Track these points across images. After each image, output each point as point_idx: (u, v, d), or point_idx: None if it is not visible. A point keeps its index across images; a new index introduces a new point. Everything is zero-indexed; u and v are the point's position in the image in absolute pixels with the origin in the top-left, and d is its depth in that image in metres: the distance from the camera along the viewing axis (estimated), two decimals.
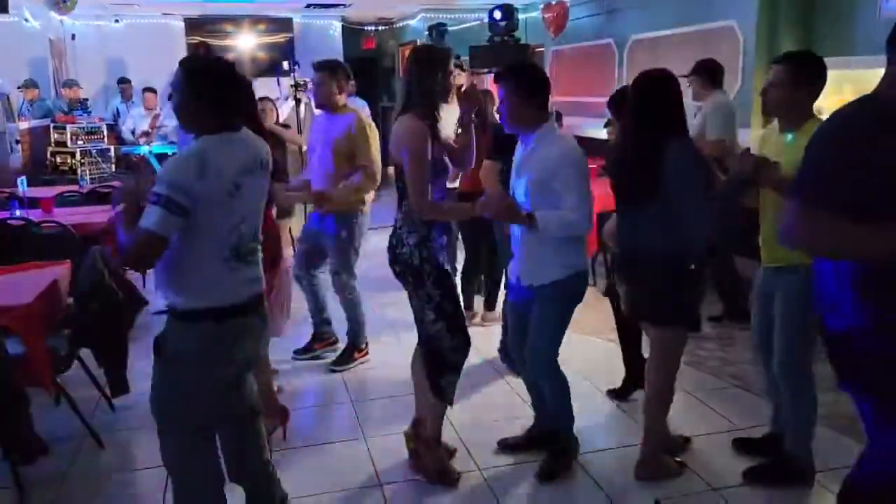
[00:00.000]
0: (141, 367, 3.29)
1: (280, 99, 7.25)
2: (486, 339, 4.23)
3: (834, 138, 1.73)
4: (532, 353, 2.88)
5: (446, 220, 2.84)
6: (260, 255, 2.28)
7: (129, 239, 2.02)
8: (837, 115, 1.76)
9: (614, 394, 3.66)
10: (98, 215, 4.78)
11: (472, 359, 3.11)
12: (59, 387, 3.15)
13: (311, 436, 3.31)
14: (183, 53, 10.92)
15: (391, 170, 2.95)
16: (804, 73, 2.58)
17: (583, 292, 2.82)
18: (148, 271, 3.18)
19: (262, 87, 10.96)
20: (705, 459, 3.02)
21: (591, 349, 4.28)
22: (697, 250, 2.67)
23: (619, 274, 2.98)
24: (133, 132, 8.42)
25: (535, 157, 2.73)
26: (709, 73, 4.81)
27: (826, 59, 2.61)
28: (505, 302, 3.10)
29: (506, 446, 3.16)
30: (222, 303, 2.12)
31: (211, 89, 2.09)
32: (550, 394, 2.96)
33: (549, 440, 3.03)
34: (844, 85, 4.52)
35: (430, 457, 2.92)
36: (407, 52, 11.74)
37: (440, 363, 2.83)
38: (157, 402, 2.20)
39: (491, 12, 8.21)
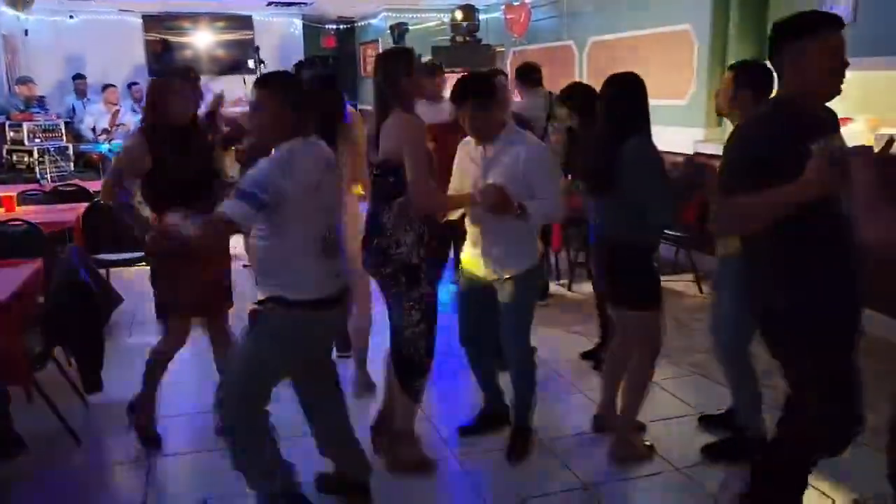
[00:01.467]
0: (113, 365, 3.33)
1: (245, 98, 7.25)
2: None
3: (744, 139, 2.12)
4: (510, 342, 3.02)
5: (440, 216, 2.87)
6: (342, 250, 2.54)
7: (205, 221, 2.32)
8: (750, 119, 2.18)
9: (588, 354, 4.04)
10: (64, 214, 4.75)
11: (442, 347, 3.21)
12: (35, 384, 3.15)
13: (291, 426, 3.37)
14: (140, 50, 10.81)
15: None
16: (744, 79, 2.85)
17: (537, 284, 3.06)
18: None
19: (226, 86, 10.96)
20: (668, 442, 3.18)
21: (556, 340, 4.42)
22: (655, 237, 2.88)
23: (593, 260, 3.13)
24: (94, 129, 8.30)
25: (503, 157, 2.84)
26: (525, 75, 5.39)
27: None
28: (460, 293, 3.19)
29: (465, 431, 3.29)
30: (317, 295, 2.40)
31: (299, 100, 2.39)
32: (520, 380, 3.10)
33: (502, 419, 3.24)
34: None
35: (406, 450, 3.00)
36: (369, 51, 11.83)
37: (413, 367, 2.87)
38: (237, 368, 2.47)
39: (453, 12, 8.34)
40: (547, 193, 2.80)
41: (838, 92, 2.06)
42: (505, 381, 3.25)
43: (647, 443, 3.15)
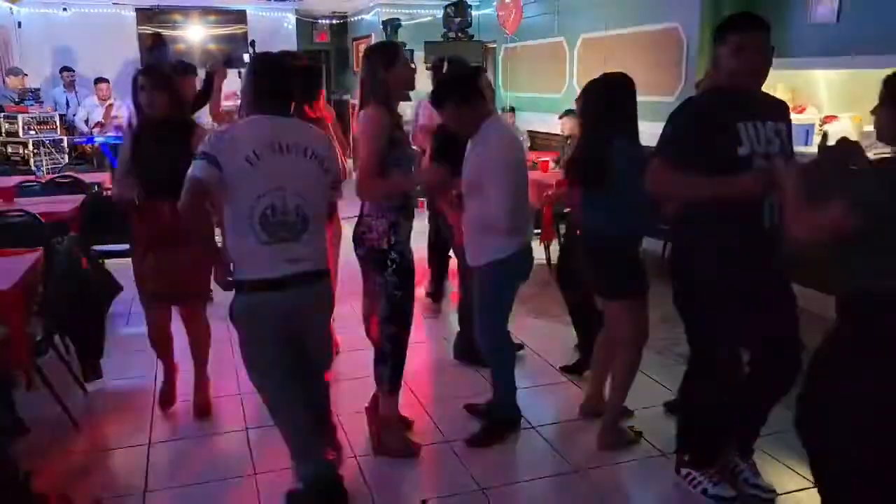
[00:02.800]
0: (110, 353, 3.40)
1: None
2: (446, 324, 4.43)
3: (685, 114, 2.49)
4: (478, 330, 3.20)
5: (400, 201, 2.90)
6: (313, 236, 2.48)
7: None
8: (692, 99, 2.65)
9: (569, 370, 3.94)
10: (62, 204, 4.80)
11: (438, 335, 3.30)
12: (37, 370, 3.22)
13: None
14: (134, 43, 10.80)
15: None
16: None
17: (511, 276, 3.08)
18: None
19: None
20: (656, 429, 3.28)
21: (546, 330, 4.52)
22: (639, 230, 3.01)
23: (582, 254, 3.22)
24: (87, 122, 8.32)
25: (472, 156, 2.97)
26: None
27: None
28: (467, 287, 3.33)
29: (474, 411, 3.40)
30: (257, 276, 2.41)
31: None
32: (492, 368, 3.26)
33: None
34: (777, 83, 4.87)
35: (390, 435, 3.09)
36: (361, 46, 11.86)
37: (382, 350, 2.98)
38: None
39: (446, 8, 8.40)
40: (493, 200, 2.85)
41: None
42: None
43: (635, 429, 3.25)
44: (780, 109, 2.56)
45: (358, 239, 2.92)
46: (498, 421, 3.27)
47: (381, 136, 2.76)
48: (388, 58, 2.84)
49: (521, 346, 4.06)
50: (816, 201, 1.98)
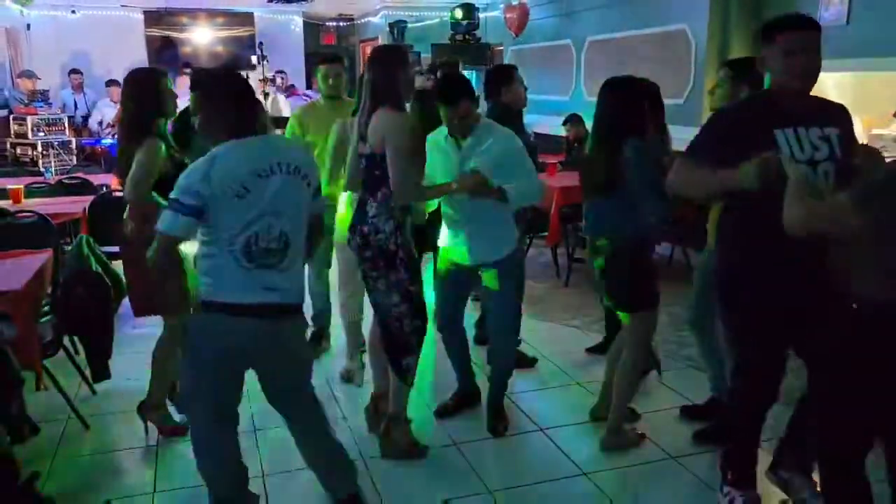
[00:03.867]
0: (118, 354, 3.40)
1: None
2: None
3: (718, 120, 2.47)
4: (496, 325, 3.28)
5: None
6: (292, 264, 2.34)
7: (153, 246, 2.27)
8: (727, 105, 2.64)
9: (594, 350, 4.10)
10: (71, 206, 4.82)
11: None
12: (47, 370, 3.23)
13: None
14: (142, 46, 10.87)
15: None
16: (743, 77, 3.04)
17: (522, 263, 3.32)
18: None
19: None
20: (664, 432, 3.28)
21: (554, 334, 4.51)
22: (651, 237, 2.99)
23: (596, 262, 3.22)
24: (101, 123, 8.37)
25: (477, 147, 3.03)
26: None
27: None
28: (440, 279, 3.35)
29: (444, 412, 3.47)
30: (229, 299, 2.27)
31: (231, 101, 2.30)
32: (503, 361, 3.33)
33: (474, 398, 3.51)
34: None
35: (398, 432, 3.10)
36: (368, 49, 11.89)
37: (401, 345, 3.00)
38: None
39: (453, 10, 8.41)
40: (524, 176, 3.05)
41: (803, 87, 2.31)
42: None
43: (639, 431, 3.25)
44: (832, 114, 2.39)
45: (363, 241, 2.90)
46: (502, 408, 3.39)
47: (412, 140, 2.81)
48: (403, 59, 2.87)
49: (535, 360, 4.09)
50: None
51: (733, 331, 2.58)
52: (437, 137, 3.14)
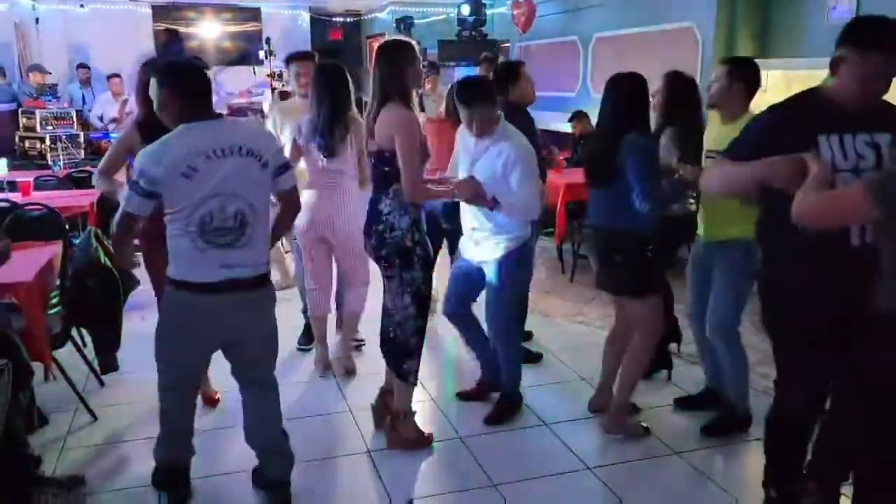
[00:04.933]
0: (126, 346, 3.43)
1: (257, 88, 7.35)
2: None
3: (759, 123, 2.34)
4: (492, 318, 3.32)
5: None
6: (251, 241, 2.44)
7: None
8: (772, 107, 2.33)
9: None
10: (79, 199, 4.85)
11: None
12: (55, 362, 3.26)
13: (301, 408, 3.49)
14: (149, 40, 10.89)
15: None
16: (739, 74, 3.02)
17: (528, 259, 3.35)
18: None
19: (234, 76, 11.06)
20: (667, 427, 3.29)
21: (559, 329, 4.53)
22: (651, 229, 2.98)
23: (589, 251, 3.27)
24: (101, 118, 8.39)
25: (490, 153, 3.05)
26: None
27: (778, 61, 2.95)
28: (454, 269, 3.44)
29: (465, 396, 3.55)
30: (189, 278, 2.42)
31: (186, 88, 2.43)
32: (503, 354, 3.35)
33: (496, 389, 3.50)
34: (793, 84, 4.85)
35: (403, 427, 3.12)
36: (374, 45, 11.88)
37: (402, 350, 3.02)
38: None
39: (459, 7, 8.41)
40: (523, 192, 3.02)
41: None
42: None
43: (643, 425, 3.27)
44: (886, 117, 2.20)
45: (379, 239, 2.90)
46: (510, 400, 3.41)
47: (419, 137, 2.82)
48: (410, 54, 2.87)
49: (540, 356, 4.10)
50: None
51: (776, 340, 2.41)
52: (465, 132, 3.18)
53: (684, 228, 3.28)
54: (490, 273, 3.22)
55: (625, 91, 3.00)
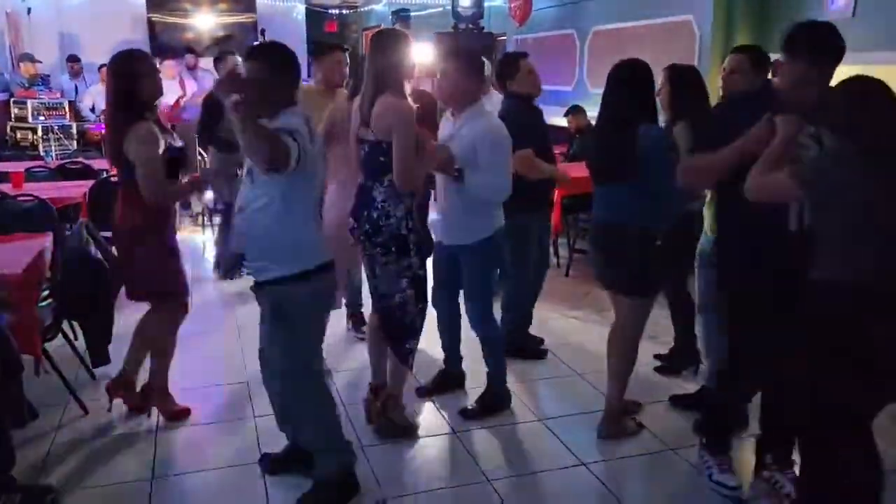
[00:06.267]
0: (117, 339, 3.40)
1: None
2: None
3: (718, 118, 2.64)
4: (469, 306, 3.30)
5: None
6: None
7: None
8: (726, 103, 2.70)
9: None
10: (70, 190, 4.81)
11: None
12: (46, 355, 3.23)
13: None
14: (143, 30, 10.80)
15: None
16: (760, 62, 3.11)
17: (499, 253, 3.27)
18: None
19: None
20: (662, 421, 3.28)
21: (554, 324, 4.50)
22: (665, 225, 2.94)
23: (590, 246, 3.22)
24: (93, 109, 8.30)
25: (464, 129, 3.03)
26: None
27: (776, 54, 2.90)
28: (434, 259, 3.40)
29: (424, 392, 3.52)
30: (326, 258, 2.57)
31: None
32: (484, 345, 3.34)
33: (458, 380, 3.57)
34: None
35: (395, 414, 3.14)
36: (370, 36, 11.83)
37: (404, 329, 3.03)
38: (289, 357, 2.55)
39: None
40: (493, 171, 3.01)
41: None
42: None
43: (637, 420, 3.25)
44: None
45: (374, 227, 2.88)
46: (493, 394, 3.39)
47: (415, 128, 2.81)
48: (405, 44, 2.86)
49: (545, 352, 4.08)
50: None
51: (728, 315, 2.70)
52: (447, 118, 3.23)
53: (697, 224, 3.27)
54: (465, 261, 3.22)
55: (628, 79, 2.93)
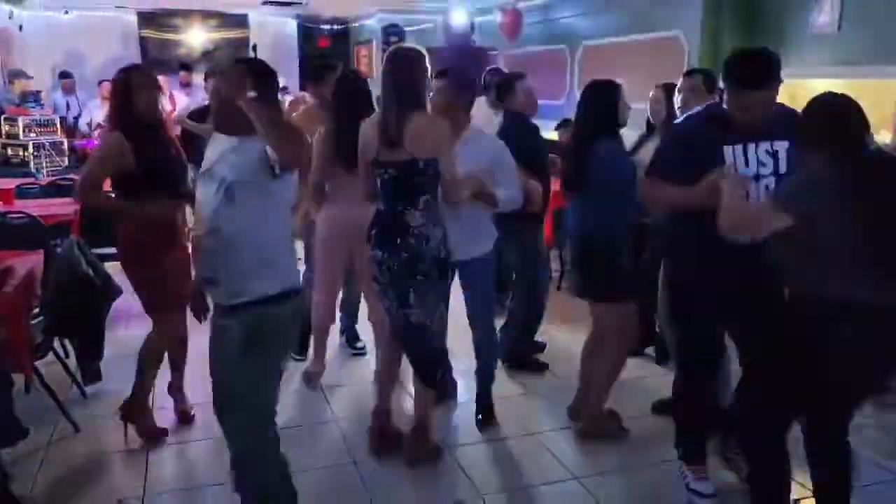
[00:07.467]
0: (109, 356, 3.39)
1: None
2: None
3: (670, 138, 2.69)
4: (475, 319, 3.31)
5: None
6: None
7: None
8: (681, 121, 2.69)
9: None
10: (62, 207, 4.80)
11: None
12: (37, 372, 3.21)
13: (286, 419, 3.44)
14: (135, 47, 10.83)
15: None
16: (712, 84, 3.17)
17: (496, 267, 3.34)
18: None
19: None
20: (653, 434, 3.25)
21: (548, 340, 4.49)
22: (623, 234, 3.07)
23: (568, 257, 3.32)
24: (90, 124, 8.29)
25: (467, 153, 2.94)
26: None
27: None
28: None
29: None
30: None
31: None
32: (485, 353, 3.37)
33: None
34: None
35: (429, 437, 3.10)
36: (362, 52, 11.89)
37: (436, 359, 2.98)
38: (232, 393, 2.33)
39: (447, 16, 8.42)
40: (509, 184, 3.08)
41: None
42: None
43: (624, 426, 3.30)
44: (784, 124, 2.39)
45: (415, 254, 2.73)
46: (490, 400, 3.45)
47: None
48: (426, 61, 2.78)
49: (546, 365, 4.12)
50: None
51: (678, 318, 2.74)
52: None
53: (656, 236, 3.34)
54: (469, 275, 3.21)
55: (591, 98, 3.08)
